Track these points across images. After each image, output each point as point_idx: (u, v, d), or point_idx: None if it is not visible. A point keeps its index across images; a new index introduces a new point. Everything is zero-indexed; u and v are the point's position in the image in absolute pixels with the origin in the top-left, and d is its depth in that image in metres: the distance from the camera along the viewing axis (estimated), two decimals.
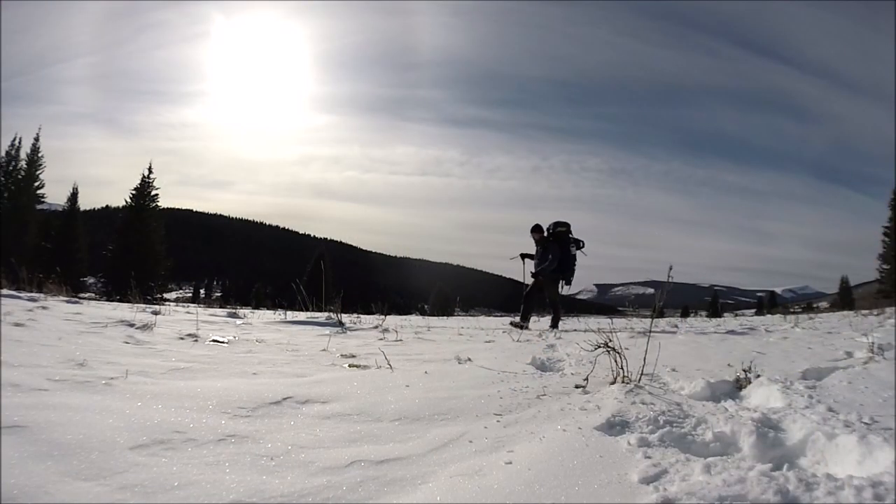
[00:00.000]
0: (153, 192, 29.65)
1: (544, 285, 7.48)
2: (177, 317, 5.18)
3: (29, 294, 5.89)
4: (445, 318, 12.44)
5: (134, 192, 29.25)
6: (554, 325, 7.17)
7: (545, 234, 7.62)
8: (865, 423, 1.67)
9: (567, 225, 7.64)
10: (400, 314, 11.89)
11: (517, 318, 7.34)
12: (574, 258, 7.59)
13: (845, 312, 13.22)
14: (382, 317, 7.19)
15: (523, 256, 7.86)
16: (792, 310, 28.92)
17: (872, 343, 3.37)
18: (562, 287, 7.58)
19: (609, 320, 8.57)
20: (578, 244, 7.57)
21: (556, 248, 7.42)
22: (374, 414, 1.77)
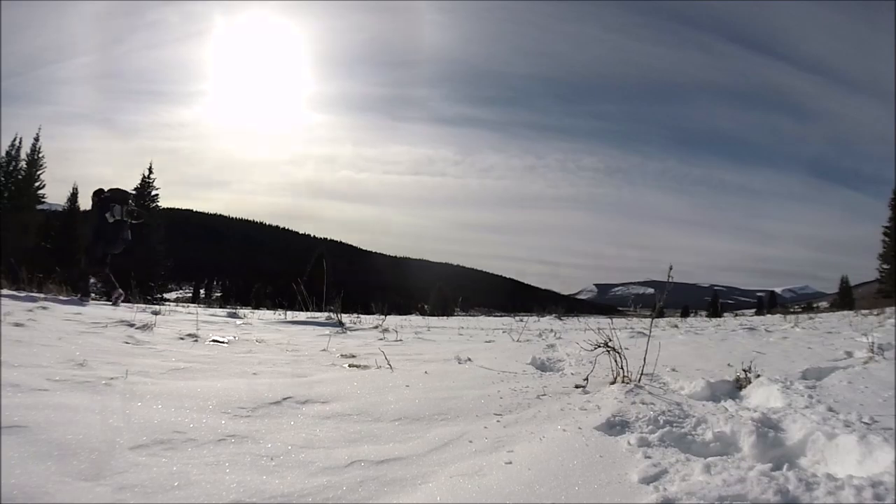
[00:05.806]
0: (153, 192, 29.66)
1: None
2: (177, 317, 5.18)
3: (29, 294, 5.88)
4: (445, 318, 12.45)
5: (134, 192, 29.25)
6: (74, 289, 6.67)
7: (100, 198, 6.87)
8: (865, 423, 1.67)
9: (117, 191, 6.87)
10: (400, 314, 11.88)
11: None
12: (120, 227, 6.73)
13: (845, 312, 13.23)
14: (382, 317, 7.20)
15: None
16: (792, 310, 28.91)
17: (872, 343, 3.38)
18: (100, 256, 6.64)
19: (609, 320, 8.58)
20: (112, 210, 6.66)
21: (94, 214, 6.78)
22: (374, 414, 1.77)
